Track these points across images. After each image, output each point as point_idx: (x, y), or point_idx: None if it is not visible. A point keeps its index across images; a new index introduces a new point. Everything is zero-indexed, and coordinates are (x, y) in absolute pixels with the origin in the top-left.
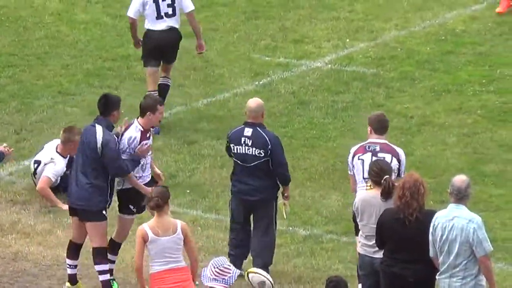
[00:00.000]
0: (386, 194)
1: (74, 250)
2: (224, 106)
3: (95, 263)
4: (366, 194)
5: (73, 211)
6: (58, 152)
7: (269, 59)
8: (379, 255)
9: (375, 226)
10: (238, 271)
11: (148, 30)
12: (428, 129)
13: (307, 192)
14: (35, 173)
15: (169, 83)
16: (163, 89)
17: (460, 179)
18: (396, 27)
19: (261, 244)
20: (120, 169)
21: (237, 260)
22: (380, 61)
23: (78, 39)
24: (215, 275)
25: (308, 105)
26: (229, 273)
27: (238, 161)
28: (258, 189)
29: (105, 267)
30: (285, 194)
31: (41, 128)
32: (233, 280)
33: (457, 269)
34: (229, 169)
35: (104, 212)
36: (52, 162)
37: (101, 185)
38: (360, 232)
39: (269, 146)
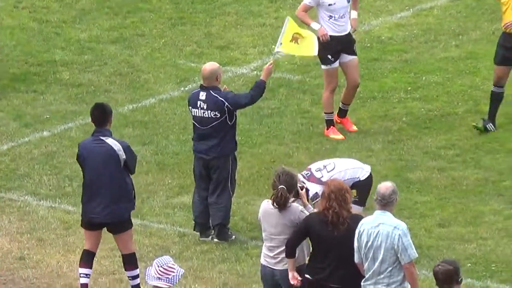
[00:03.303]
0: (277, 204)
1: (89, 258)
2: (149, 112)
3: (130, 269)
4: (267, 204)
5: (94, 226)
6: None
7: (194, 65)
8: (280, 266)
9: (276, 237)
10: (182, 271)
11: None
12: (354, 136)
13: (232, 198)
14: None
15: None
16: None
17: (385, 186)
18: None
19: (216, 206)
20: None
21: (201, 227)
22: (305, 67)
23: (4, 43)
24: (159, 274)
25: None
26: (173, 272)
27: (196, 123)
28: (214, 148)
29: (137, 271)
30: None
31: None
32: (177, 280)
33: (382, 275)
34: (154, 175)
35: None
36: None
37: (131, 189)
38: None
39: (225, 104)
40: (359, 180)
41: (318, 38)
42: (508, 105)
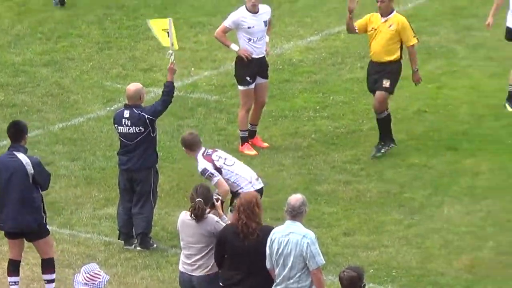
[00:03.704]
0: (195, 216)
1: (15, 267)
2: (78, 130)
3: (48, 273)
4: (185, 215)
5: (14, 235)
6: None
7: (120, 86)
8: (197, 273)
9: (194, 245)
10: (107, 277)
11: None
12: (266, 152)
13: (154, 209)
14: None
15: None
16: None
17: (295, 198)
18: None
19: (139, 216)
20: (49, 182)
21: (125, 236)
22: (222, 88)
23: None
24: (86, 280)
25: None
26: (99, 278)
27: (122, 139)
28: (137, 160)
29: (53, 276)
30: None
31: None
32: (103, 285)
33: (292, 280)
34: (82, 188)
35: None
36: None
37: (39, 203)
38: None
39: (146, 116)
40: (242, 189)
41: (242, 59)
42: (409, 121)
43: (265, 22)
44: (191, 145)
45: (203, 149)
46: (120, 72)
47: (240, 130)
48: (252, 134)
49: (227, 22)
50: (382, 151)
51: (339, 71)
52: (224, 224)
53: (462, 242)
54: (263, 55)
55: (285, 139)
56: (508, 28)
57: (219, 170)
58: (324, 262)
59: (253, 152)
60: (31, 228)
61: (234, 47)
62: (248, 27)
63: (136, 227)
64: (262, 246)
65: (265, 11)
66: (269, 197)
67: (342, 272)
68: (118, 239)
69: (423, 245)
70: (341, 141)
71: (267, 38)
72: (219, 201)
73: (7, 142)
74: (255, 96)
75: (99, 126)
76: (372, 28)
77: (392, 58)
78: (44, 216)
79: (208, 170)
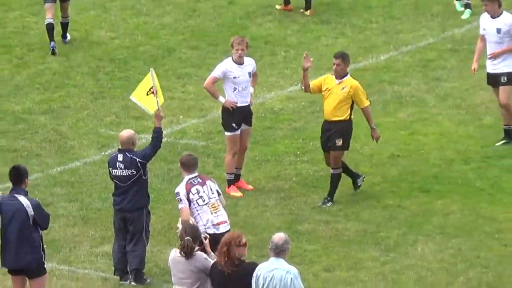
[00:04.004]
0: (185, 254)
1: None
2: (75, 173)
3: None
4: (175, 252)
5: (15, 272)
6: None
7: (113, 133)
8: None
9: (184, 280)
10: None
11: None
12: (251, 194)
13: (147, 246)
14: None
15: (68, 21)
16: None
17: (278, 236)
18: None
19: (133, 253)
20: (48, 222)
21: (120, 272)
22: (209, 134)
23: None
24: None
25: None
26: None
27: (116, 181)
28: (131, 201)
29: None
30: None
31: None
32: None
33: None
34: (79, 227)
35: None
36: None
37: (38, 243)
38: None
39: (137, 160)
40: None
41: (227, 108)
42: (384, 165)
43: (249, 73)
44: (183, 165)
45: (193, 175)
46: (114, 120)
47: (227, 173)
48: (237, 177)
49: (216, 73)
50: (328, 204)
51: (317, 119)
52: (211, 261)
53: (434, 277)
54: (247, 104)
55: (268, 182)
56: (488, 74)
57: (189, 201)
58: None
59: (238, 193)
60: (30, 267)
61: (221, 99)
62: (234, 77)
63: (130, 263)
64: (245, 281)
65: (249, 63)
66: (254, 235)
67: None
68: (114, 274)
69: (398, 281)
70: (320, 184)
71: (251, 89)
72: (207, 240)
73: (9, 184)
74: (240, 140)
75: (95, 170)
76: (326, 88)
77: (342, 118)
78: (43, 255)
79: (180, 195)
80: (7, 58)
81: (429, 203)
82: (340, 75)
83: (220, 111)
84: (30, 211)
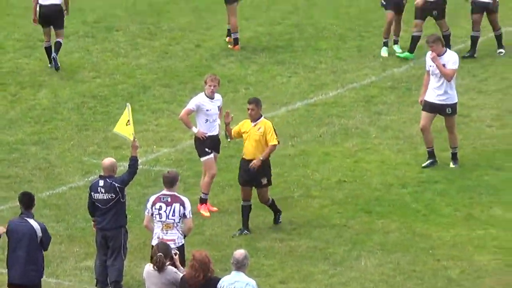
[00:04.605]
0: (158, 268)
1: None
2: (62, 197)
3: None
4: (149, 267)
5: (18, 286)
6: None
7: (95, 161)
8: None
9: None
10: None
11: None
12: (216, 215)
13: (125, 261)
14: None
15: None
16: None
17: (239, 252)
18: (191, 137)
19: (112, 267)
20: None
21: (102, 284)
22: (179, 162)
23: None
24: None
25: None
26: None
27: (98, 204)
28: (111, 221)
29: None
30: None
31: None
32: None
33: None
34: (65, 245)
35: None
36: None
37: (41, 262)
38: None
39: (116, 185)
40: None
41: (198, 138)
42: (332, 189)
43: (218, 107)
44: (163, 181)
45: (167, 192)
46: (96, 150)
47: (202, 193)
48: (204, 201)
49: (191, 105)
50: (241, 233)
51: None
52: (181, 274)
53: None
54: (217, 133)
55: (231, 204)
56: (425, 101)
57: (151, 213)
58: None
59: (207, 213)
60: (34, 283)
61: (194, 129)
62: (207, 110)
63: (110, 276)
64: None
65: (218, 98)
66: (218, 251)
67: None
68: (96, 286)
69: None
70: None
71: (219, 121)
72: (177, 255)
73: (3, 207)
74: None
75: (79, 194)
76: (245, 131)
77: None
78: (43, 272)
79: (147, 204)
80: (2, 95)
81: (371, 222)
82: (254, 118)
83: (190, 141)
84: (39, 233)
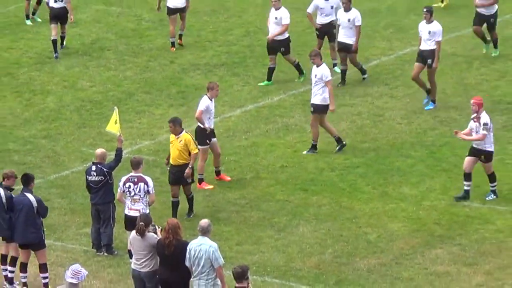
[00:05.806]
0: (140, 234)
1: (24, 266)
2: (66, 179)
3: (43, 272)
4: (134, 232)
5: (23, 246)
6: None
7: (92, 151)
8: (144, 270)
9: (140, 252)
10: (86, 272)
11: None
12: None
13: (114, 228)
14: None
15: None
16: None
17: (204, 221)
18: (167, 132)
19: (104, 233)
20: (47, 212)
21: (97, 246)
22: (157, 152)
23: None
24: (72, 275)
25: None
26: (81, 273)
27: (91, 185)
28: (102, 197)
29: (47, 274)
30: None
31: None
32: (83, 278)
33: (203, 274)
34: (69, 216)
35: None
36: None
37: (40, 226)
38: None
39: (105, 170)
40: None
41: (204, 130)
42: (276, 172)
43: (214, 106)
44: (131, 164)
45: (135, 174)
46: (92, 142)
47: (199, 174)
48: (218, 173)
49: (202, 107)
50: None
51: (231, 141)
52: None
53: (311, 249)
54: (212, 126)
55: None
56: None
57: (123, 190)
58: (224, 262)
59: (209, 186)
60: (34, 242)
61: (206, 125)
62: (211, 110)
63: (103, 240)
64: (181, 253)
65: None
66: (188, 221)
67: (234, 268)
68: (92, 248)
69: (286, 251)
70: (234, 185)
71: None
72: (158, 230)
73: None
74: (213, 150)
75: (79, 177)
76: (171, 142)
77: (185, 161)
78: (43, 234)
79: (119, 183)
80: (19, 100)
81: (307, 198)
82: (176, 133)
83: (165, 135)
84: (35, 204)
